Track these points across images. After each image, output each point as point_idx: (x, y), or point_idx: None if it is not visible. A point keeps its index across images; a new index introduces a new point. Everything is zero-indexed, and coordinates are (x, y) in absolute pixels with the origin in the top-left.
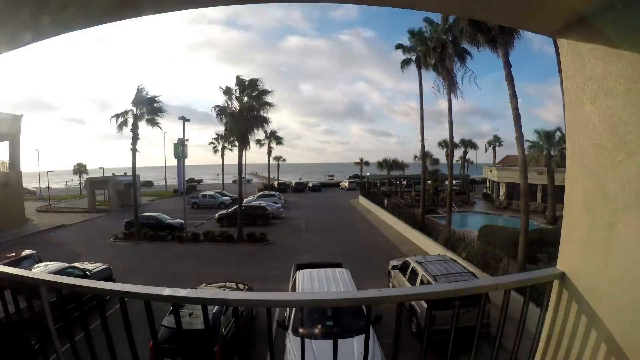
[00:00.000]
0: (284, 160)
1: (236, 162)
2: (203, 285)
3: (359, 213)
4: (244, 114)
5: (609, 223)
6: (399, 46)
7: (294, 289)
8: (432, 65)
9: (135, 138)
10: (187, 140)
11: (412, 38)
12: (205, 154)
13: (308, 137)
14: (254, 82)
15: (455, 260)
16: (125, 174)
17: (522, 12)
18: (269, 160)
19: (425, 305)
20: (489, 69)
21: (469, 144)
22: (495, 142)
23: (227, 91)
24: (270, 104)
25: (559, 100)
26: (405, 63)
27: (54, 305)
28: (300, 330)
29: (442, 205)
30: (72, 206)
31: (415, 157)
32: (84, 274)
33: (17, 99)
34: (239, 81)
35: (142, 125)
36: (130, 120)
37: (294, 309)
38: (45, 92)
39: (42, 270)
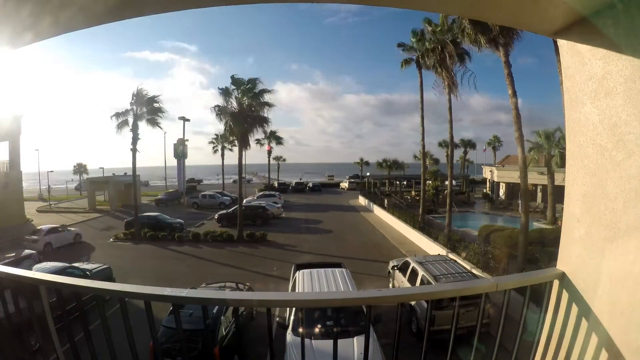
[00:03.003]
0: (284, 160)
1: (236, 162)
2: (203, 285)
3: (359, 213)
4: (244, 114)
5: (609, 223)
6: (401, 45)
7: (294, 289)
8: (431, 65)
9: (135, 138)
10: (187, 140)
11: (413, 38)
12: (205, 154)
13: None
14: (253, 82)
15: (455, 261)
16: (125, 174)
17: (522, 13)
18: (269, 160)
19: (425, 305)
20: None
21: (469, 144)
22: (495, 142)
23: (227, 90)
24: (269, 104)
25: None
26: (406, 63)
27: (54, 305)
28: (300, 330)
29: (442, 205)
30: (72, 206)
31: (416, 157)
32: (84, 274)
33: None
34: (239, 80)
35: (144, 125)
36: (131, 120)
37: (294, 309)
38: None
39: (42, 270)
